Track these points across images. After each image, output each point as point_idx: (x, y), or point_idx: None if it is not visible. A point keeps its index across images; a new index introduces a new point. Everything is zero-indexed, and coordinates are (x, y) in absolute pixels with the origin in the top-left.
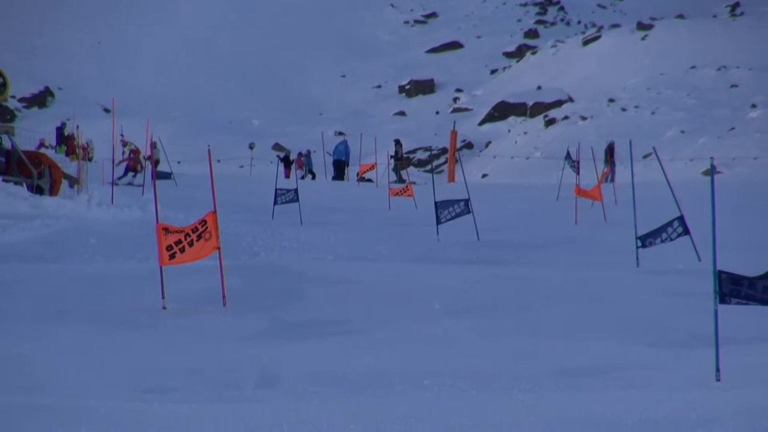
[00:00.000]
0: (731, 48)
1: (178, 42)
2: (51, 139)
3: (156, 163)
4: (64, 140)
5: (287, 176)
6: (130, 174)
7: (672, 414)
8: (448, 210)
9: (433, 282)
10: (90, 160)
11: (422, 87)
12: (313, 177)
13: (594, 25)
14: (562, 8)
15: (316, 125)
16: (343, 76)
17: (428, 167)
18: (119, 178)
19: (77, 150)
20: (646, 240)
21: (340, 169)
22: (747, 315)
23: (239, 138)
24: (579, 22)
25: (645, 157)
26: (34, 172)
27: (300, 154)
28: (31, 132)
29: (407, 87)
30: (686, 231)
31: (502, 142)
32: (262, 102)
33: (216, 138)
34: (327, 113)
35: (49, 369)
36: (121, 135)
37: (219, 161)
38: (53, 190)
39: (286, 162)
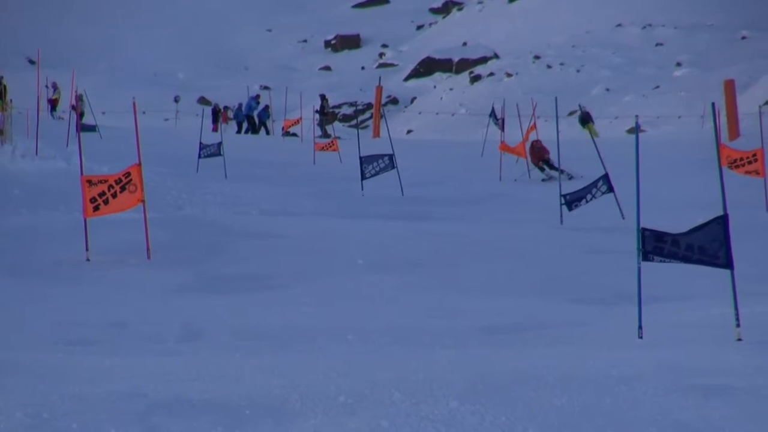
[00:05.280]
0: (657, 6)
1: None
2: None
3: (81, 115)
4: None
5: (215, 130)
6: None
7: (594, 371)
8: (372, 165)
9: (357, 237)
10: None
11: (348, 42)
12: (239, 130)
13: None
14: None
15: (242, 79)
16: (269, 30)
17: (353, 122)
18: None
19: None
20: (572, 203)
21: (251, 122)
22: (670, 273)
23: (164, 91)
24: None
25: (570, 114)
26: None
27: (226, 108)
28: None
29: (333, 42)
30: (610, 189)
31: (427, 98)
32: (188, 55)
33: (141, 91)
34: (252, 67)
35: None
36: (47, 85)
37: (144, 113)
38: None
39: (215, 116)
